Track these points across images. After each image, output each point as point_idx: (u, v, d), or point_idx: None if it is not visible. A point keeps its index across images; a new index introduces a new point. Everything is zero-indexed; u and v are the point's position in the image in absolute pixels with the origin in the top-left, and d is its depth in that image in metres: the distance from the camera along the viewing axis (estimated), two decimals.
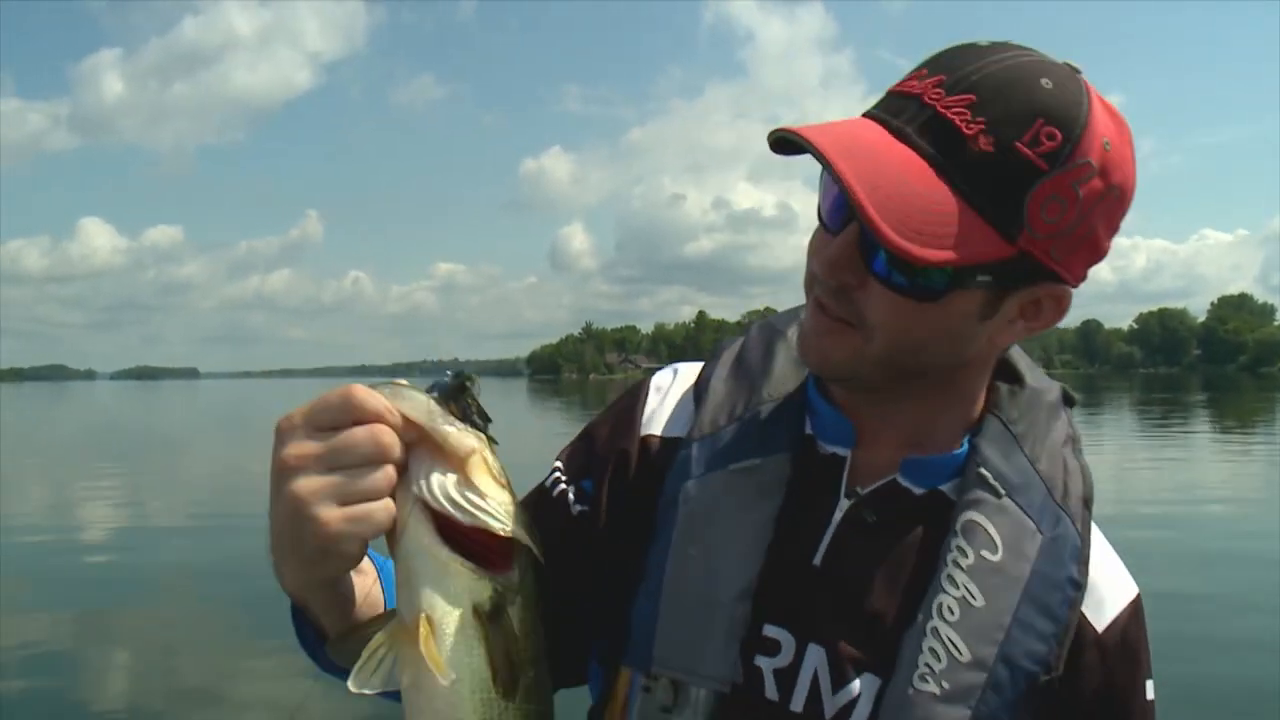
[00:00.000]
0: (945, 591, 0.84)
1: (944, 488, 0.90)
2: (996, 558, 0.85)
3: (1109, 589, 0.90)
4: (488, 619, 0.69)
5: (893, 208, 0.72)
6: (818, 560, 0.88)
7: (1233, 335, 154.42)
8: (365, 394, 0.67)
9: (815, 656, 0.86)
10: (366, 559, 0.79)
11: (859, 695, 0.84)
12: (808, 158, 0.75)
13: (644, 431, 0.97)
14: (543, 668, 0.73)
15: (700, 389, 0.96)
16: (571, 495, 0.96)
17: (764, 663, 0.86)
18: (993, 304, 0.80)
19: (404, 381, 0.69)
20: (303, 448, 0.66)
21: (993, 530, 0.85)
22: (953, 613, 0.83)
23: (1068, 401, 0.97)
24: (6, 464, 18.61)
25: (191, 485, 15.65)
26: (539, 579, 0.73)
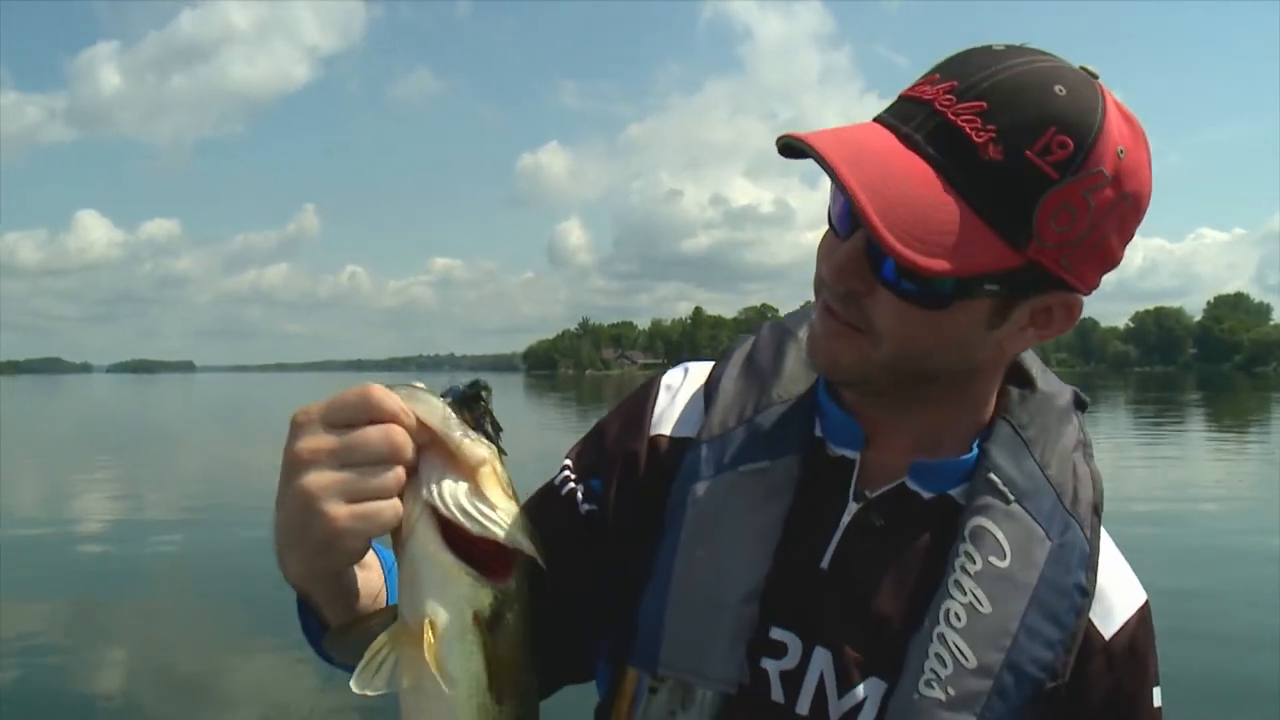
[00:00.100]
0: (952, 597, 0.84)
1: (953, 492, 0.89)
2: (1004, 564, 0.84)
3: (1117, 596, 0.90)
4: (487, 626, 0.69)
5: (898, 216, 0.72)
6: (825, 563, 0.88)
7: (1228, 334, 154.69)
8: (383, 394, 0.67)
9: (821, 659, 0.86)
10: (371, 553, 0.79)
11: (864, 699, 0.84)
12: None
13: (653, 431, 0.96)
14: (532, 675, 0.74)
15: (710, 389, 0.96)
16: (580, 494, 0.95)
17: (770, 665, 0.86)
18: (1001, 312, 0.80)
19: (420, 385, 0.69)
20: (317, 441, 0.66)
21: (1001, 536, 0.85)
22: (960, 618, 0.83)
23: (1079, 405, 0.96)
24: (2, 457, 18.58)
25: (186, 479, 15.64)
26: (535, 587, 0.73)
